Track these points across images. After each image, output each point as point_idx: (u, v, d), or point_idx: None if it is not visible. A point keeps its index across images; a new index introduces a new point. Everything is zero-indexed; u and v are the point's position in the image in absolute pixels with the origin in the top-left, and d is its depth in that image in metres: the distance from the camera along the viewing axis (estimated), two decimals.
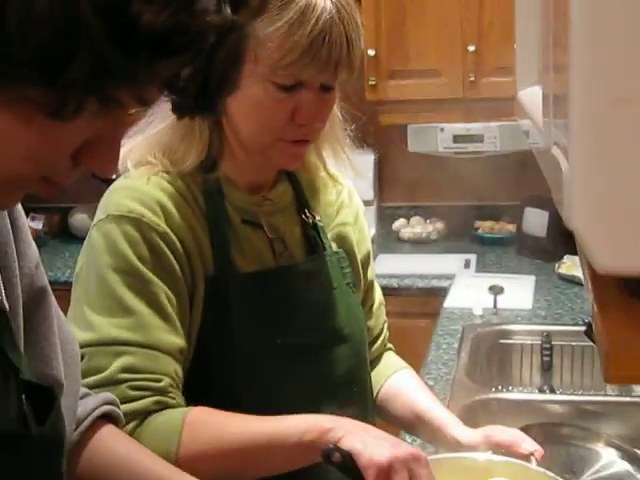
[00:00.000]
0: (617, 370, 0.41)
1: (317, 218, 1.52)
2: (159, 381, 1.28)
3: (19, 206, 0.93)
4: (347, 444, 1.18)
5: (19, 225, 0.92)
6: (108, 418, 1.13)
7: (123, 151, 1.37)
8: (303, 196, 1.52)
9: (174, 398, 1.30)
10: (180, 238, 1.33)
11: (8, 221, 0.90)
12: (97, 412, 1.10)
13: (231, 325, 1.37)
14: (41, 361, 0.92)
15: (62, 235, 4.25)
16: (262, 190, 1.47)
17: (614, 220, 0.41)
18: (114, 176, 1.39)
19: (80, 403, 1.05)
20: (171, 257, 1.32)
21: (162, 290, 1.31)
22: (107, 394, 1.17)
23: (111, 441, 1.11)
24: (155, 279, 1.30)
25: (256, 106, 1.32)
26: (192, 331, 1.36)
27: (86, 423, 1.07)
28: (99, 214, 1.35)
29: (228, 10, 0.59)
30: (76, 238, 3.87)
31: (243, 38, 0.63)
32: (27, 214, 0.96)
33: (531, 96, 0.84)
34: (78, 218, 4.14)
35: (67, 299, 1.32)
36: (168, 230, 1.32)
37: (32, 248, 0.96)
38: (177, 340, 1.32)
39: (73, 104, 0.58)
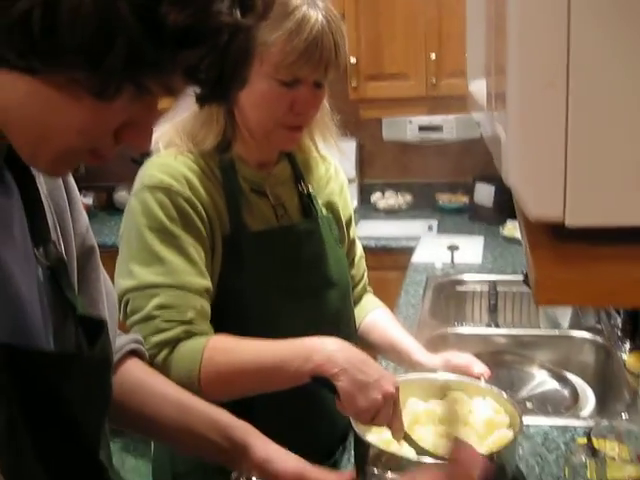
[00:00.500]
0: (544, 295, 0.42)
1: (310, 189, 1.53)
2: (186, 314, 1.28)
3: (73, 182, 0.93)
4: (338, 383, 1.19)
5: (73, 197, 0.93)
6: (135, 354, 1.13)
7: (155, 135, 1.38)
8: (299, 172, 1.53)
9: (201, 327, 1.30)
10: (202, 204, 1.33)
11: (64, 193, 0.90)
12: (127, 348, 1.10)
13: (244, 273, 1.37)
14: (90, 304, 0.93)
15: (108, 209, 4.24)
16: (267, 167, 1.47)
17: (540, 177, 0.42)
18: (147, 157, 1.39)
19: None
20: (196, 218, 1.32)
21: (189, 243, 1.31)
22: (135, 335, 1.17)
23: (137, 371, 1.11)
24: (183, 234, 1.31)
25: (262, 98, 1.32)
26: (213, 282, 1.36)
27: (118, 356, 1.07)
28: (136, 185, 1.35)
29: (238, 13, 0.60)
30: (119, 210, 3.79)
31: (251, 38, 0.64)
32: (80, 191, 0.96)
33: (479, 87, 0.84)
34: (121, 195, 4.15)
35: (113, 260, 1.32)
36: (193, 198, 1.32)
37: (83, 215, 0.96)
38: (202, 281, 1.32)
39: (113, 87, 0.59)
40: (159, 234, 1.30)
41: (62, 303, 0.83)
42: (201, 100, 0.68)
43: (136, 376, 1.10)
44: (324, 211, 1.55)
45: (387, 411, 1.21)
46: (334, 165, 1.64)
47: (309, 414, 1.42)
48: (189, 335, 1.28)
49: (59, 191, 0.89)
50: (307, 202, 1.51)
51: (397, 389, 1.23)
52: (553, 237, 0.46)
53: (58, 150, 0.65)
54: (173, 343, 1.27)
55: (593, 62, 0.39)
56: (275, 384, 1.27)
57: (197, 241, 1.32)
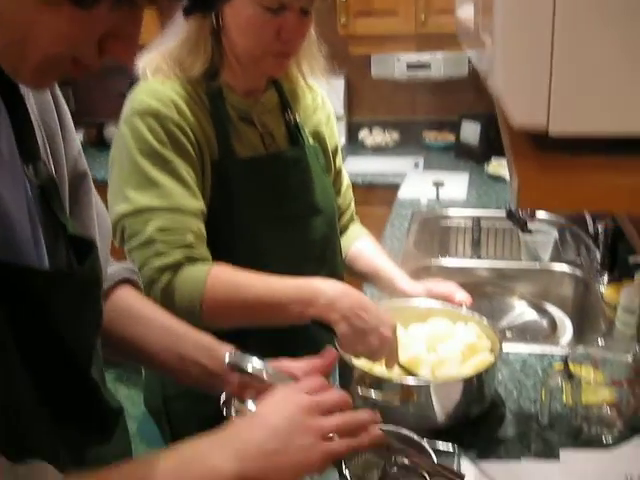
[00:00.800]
0: (525, 198, 0.42)
1: (297, 118, 1.52)
2: (185, 237, 1.28)
3: (66, 107, 0.92)
4: (338, 329, 1.22)
5: (66, 122, 0.91)
6: (129, 283, 1.11)
7: (143, 62, 1.36)
8: (286, 101, 1.51)
9: (200, 251, 1.30)
10: (191, 128, 1.32)
11: (56, 116, 0.89)
12: (119, 276, 1.09)
13: (232, 198, 1.37)
14: (82, 228, 0.92)
15: (98, 144, 4.22)
16: (254, 94, 1.45)
17: (525, 84, 0.42)
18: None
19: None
20: (186, 142, 1.31)
21: (181, 166, 1.30)
22: (128, 264, 1.16)
23: (128, 297, 1.10)
24: (175, 158, 1.30)
25: (248, 25, 1.30)
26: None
27: (109, 283, 1.06)
28: (125, 111, 1.34)
29: None
30: (109, 146, 3.77)
31: None
32: None
33: (466, 13, 0.83)
34: (110, 130, 4.14)
35: (103, 194, 1.30)
36: (182, 121, 1.31)
37: (76, 140, 0.95)
38: (197, 203, 1.31)
39: None
40: (151, 158, 1.29)
41: (53, 223, 0.82)
42: (186, 11, 0.66)
43: (126, 302, 1.09)
44: (311, 140, 1.55)
45: (384, 353, 1.24)
46: (321, 95, 1.62)
47: (296, 340, 1.44)
48: (190, 260, 1.28)
49: (51, 114, 0.88)
50: (294, 131, 1.50)
51: (395, 332, 1.25)
52: (536, 147, 0.46)
53: (39, 59, 0.63)
54: (175, 267, 1.27)
55: None
56: (275, 321, 1.28)
57: (189, 164, 1.31)
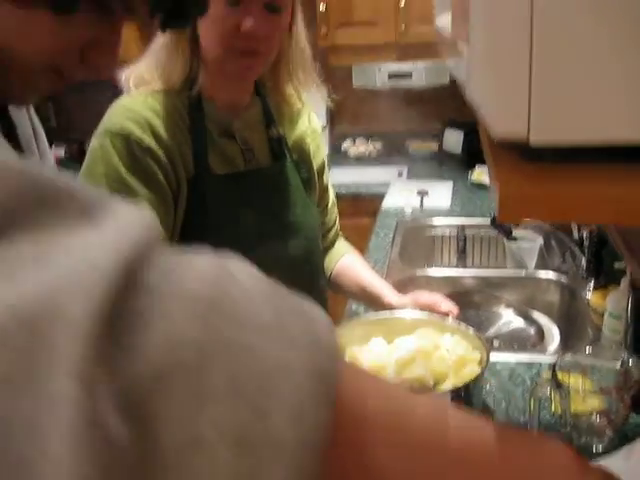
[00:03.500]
0: (507, 212, 0.41)
1: (281, 133, 1.50)
2: None
3: (41, 128, 0.91)
4: None
5: (40, 144, 0.91)
6: None
7: (127, 73, 1.35)
8: (271, 115, 1.49)
9: None
10: (165, 151, 1.30)
11: (34, 138, 0.88)
12: None
13: (208, 215, 1.35)
14: None
15: (79, 159, 4.17)
16: (236, 109, 1.44)
17: (504, 93, 0.41)
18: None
19: None
20: (155, 167, 1.29)
21: (142, 194, 1.28)
22: None
23: None
24: (137, 185, 1.28)
25: (210, 22, 1.29)
26: (177, 225, 1.34)
27: None
28: (100, 126, 1.32)
29: None
30: None
31: None
32: (51, 143, 0.94)
33: (444, 21, 0.83)
34: None
35: None
36: (153, 145, 1.29)
37: (51, 161, 0.94)
38: None
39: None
40: (114, 183, 1.27)
41: None
42: (163, 25, 0.66)
43: None
44: (294, 156, 1.53)
45: None
46: (308, 110, 1.60)
47: None
48: None
49: (29, 136, 0.87)
50: (277, 147, 1.48)
51: None
52: (517, 157, 0.45)
53: (25, 74, 0.64)
54: None
55: None
56: None
57: (153, 192, 1.30)
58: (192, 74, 1.35)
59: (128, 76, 1.35)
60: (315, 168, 1.59)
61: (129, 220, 0.35)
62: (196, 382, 0.30)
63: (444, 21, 0.81)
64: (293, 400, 0.32)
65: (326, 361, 0.35)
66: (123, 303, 0.30)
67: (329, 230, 1.68)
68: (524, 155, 0.45)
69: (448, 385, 1.30)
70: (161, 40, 1.34)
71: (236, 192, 1.39)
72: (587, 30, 0.39)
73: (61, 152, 4.11)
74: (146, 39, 1.36)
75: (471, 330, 1.43)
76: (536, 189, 0.41)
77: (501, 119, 0.41)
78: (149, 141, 1.29)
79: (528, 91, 0.41)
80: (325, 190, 1.66)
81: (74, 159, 4.20)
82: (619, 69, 0.40)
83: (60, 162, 4.05)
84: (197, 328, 0.31)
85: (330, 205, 1.69)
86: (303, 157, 1.55)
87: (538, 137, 0.42)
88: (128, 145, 1.27)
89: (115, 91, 1.38)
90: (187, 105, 1.35)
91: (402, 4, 3.42)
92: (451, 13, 0.62)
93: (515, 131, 0.42)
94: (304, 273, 1.49)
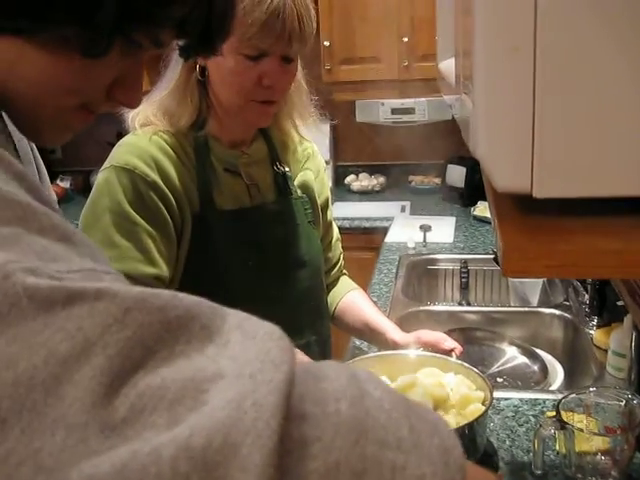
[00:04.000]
0: (510, 266, 0.42)
1: (286, 169, 1.51)
2: None
3: (41, 160, 0.92)
4: None
5: (42, 176, 0.91)
6: None
7: (132, 114, 1.36)
8: (275, 151, 1.51)
9: None
10: (170, 187, 1.31)
11: (35, 170, 0.89)
12: None
13: (213, 251, 1.36)
14: None
15: (84, 191, 4.21)
16: (242, 146, 1.45)
17: (508, 148, 0.41)
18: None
19: None
20: (158, 202, 1.30)
21: (144, 229, 1.29)
22: None
23: None
24: (141, 220, 1.29)
25: (230, 74, 1.31)
26: (181, 259, 1.35)
27: None
28: (106, 162, 1.33)
29: None
30: None
31: None
32: (57, 175, 0.95)
33: (448, 67, 0.84)
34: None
35: None
36: (158, 180, 1.30)
37: (52, 195, 0.95)
38: (151, 269, 1.30)
39: (104, 43, 0.59)
40: (116, 217, 1.28)
41: None
42: (187, 52, 0.68)
43: None
44: (299, 192, 1.54)
45: None
46: (312, 147, 1.62)
47: None
48: None
49: (31, 168, 0.88)
50: (282, 183, 1.49)
51: None
52: (520, 208, 0.45)
53: (54, 114, 0.64)
54: None
55: (560, 26, 0.39)
56: None
57: (156, 228, 1.30)
58: (200, 117, 1.36)
59: (133, 116, 1.37)
60: (319, 204, 1.60)
61: (261, 336, 0.43)
62: None
63: (447, 67, 0.82)
64: None
65: (457, 474, 0.38)
66: (285, 433, 0.35)
67: (333, 266, 1.69)
68: (527, 206, 0.45)
69: (452, 424, 1.29)
70: (169, 85, 1.36)
71: (241, 228, 1.40)
72: (589, 90, 0.39)
73: (67, 184, 4.13)
74: (154, 72, 1.37)
75: (474, 369, 1.42)
76: (539, 244, 0.42)
77: (505, 173, 0.42)
78: (154, 176, 1.30)
79: (531, 145, 0.41)
80: (329, 226, 1.67)
81: (79, 191, 4.23)
82: (623, 125, 0.41)
83: (66, 194, 4.08)
84: (348, 452, 0.35)
85: (334, 241, 1.69)
86: (308, 194, 1.56)
87: (541, 191, 0.42)
88: (133, 180, 1.29)
89: (121, 125, 1.40)
90: (193, 143, 1.37)
91: (405, 40, 3.46)
92: (454, 70, 0.63)
93: (518, 184, 0.42)
94: (308, 308, 1.49)
